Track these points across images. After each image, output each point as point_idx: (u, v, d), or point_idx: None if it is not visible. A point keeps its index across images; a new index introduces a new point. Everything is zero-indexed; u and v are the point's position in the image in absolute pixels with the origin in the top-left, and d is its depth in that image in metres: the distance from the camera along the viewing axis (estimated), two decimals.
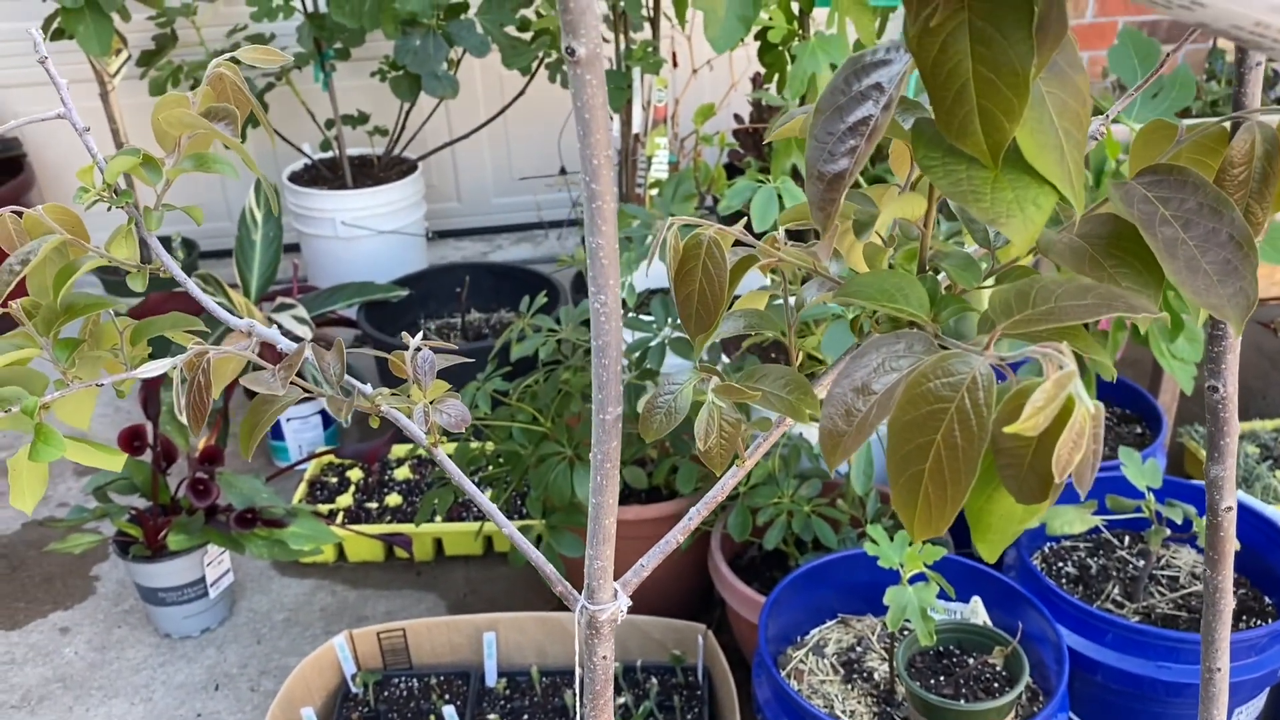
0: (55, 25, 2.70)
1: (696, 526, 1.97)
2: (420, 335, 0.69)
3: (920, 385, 0.47)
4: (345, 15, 2.55)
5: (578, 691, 0.65)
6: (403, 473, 2.47)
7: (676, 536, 0.65)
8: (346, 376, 0.67)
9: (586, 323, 1.88)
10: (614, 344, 0.55)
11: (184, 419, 0.65)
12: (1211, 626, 0.74)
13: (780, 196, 1.72)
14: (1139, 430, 2.18)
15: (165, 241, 3.09)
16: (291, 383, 0.63)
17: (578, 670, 0.65)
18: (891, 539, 1.56)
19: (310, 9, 2.75)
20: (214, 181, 3.41)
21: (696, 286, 0.58)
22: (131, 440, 1.98)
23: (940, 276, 0.59)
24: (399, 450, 2.49)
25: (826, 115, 0.53)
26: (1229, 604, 0.74)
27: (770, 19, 1.91)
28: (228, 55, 0.77)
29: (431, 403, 0.63)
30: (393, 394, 0.65)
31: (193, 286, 0.76)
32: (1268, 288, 2.34)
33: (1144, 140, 0.59)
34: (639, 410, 1.70)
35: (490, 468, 2.06)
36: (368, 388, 0.68)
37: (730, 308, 0.67)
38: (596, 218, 0.51)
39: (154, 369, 0.64)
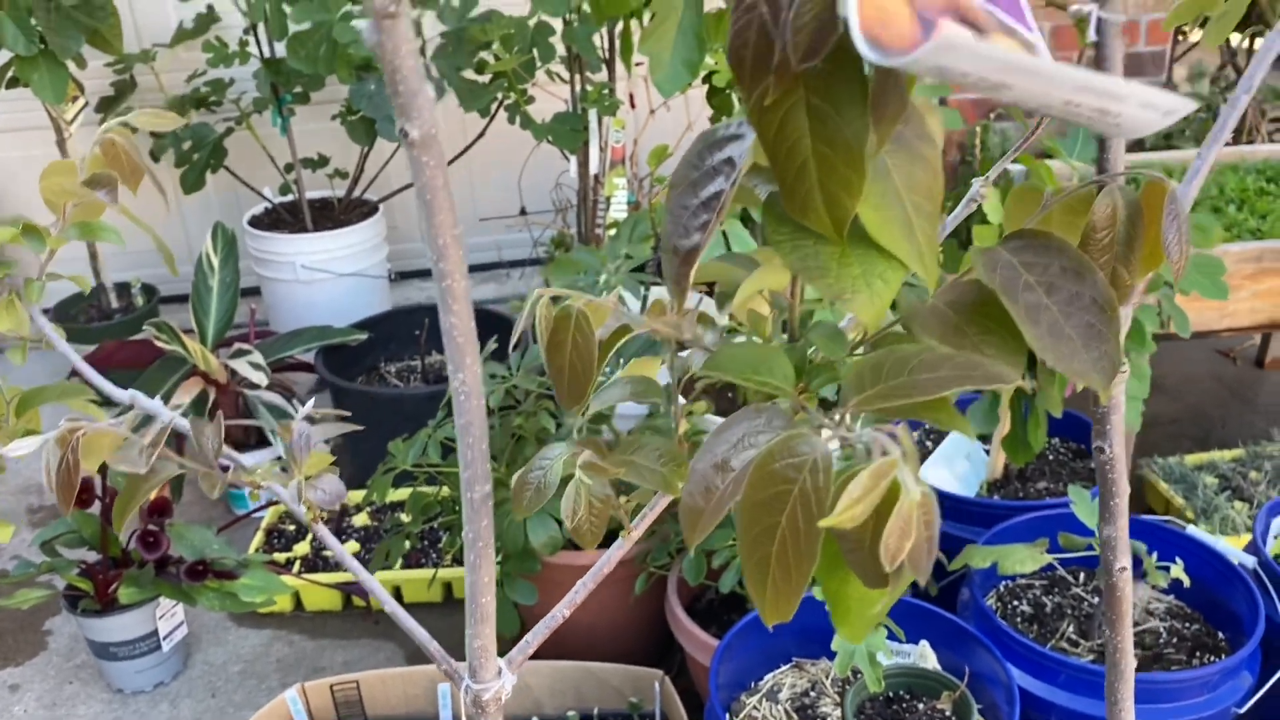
0: (10, 73, 2.69)
1: (652, 571, 1.94)
2: (305, 414, 0.68)
3: (767, 466, 0.47)
4: (301, 61, 2.55)
5: None
6: (361, 519, 2.45)
7: (563, 611, 0.64)
8: (227, 450, 0.66)
9: (538, 369, 1.87)
10: (477, 423, 0.54)
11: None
12: (1114, 686, 0.73)
13: (725, 238, 1.72)
14: (1092, 465, 2.18)
15: (124, 287, 3.08)
16: (164, 456, 0.62)
17: None
18: None
19: (267, 54, 2.76)
20: (175, 225, 3.40)
21: (567, 359, 0.58)
22: (81, 493, 1.95)
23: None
24: (355, 496, 2.47)
25: (680, 190, 0.52)
26: (1130, 664, 0.74)
27: (716, 63, 1.92)
28: (118, 120, 0.77)
29: (308, 478, 0.62)
30: (275, 464, 0.64)
31: (83, 366, 0.75)
32: (1219, 319, 2.36)
33: (1015, 202, 0.59)
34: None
35: (445, 514, 2.04)
36: (249, 459, 0.67)
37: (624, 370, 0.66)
38: (448, 297, 0.51)
39: (23, 448, 0.63)
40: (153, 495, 2.02)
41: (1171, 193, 0.53)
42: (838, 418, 0.48)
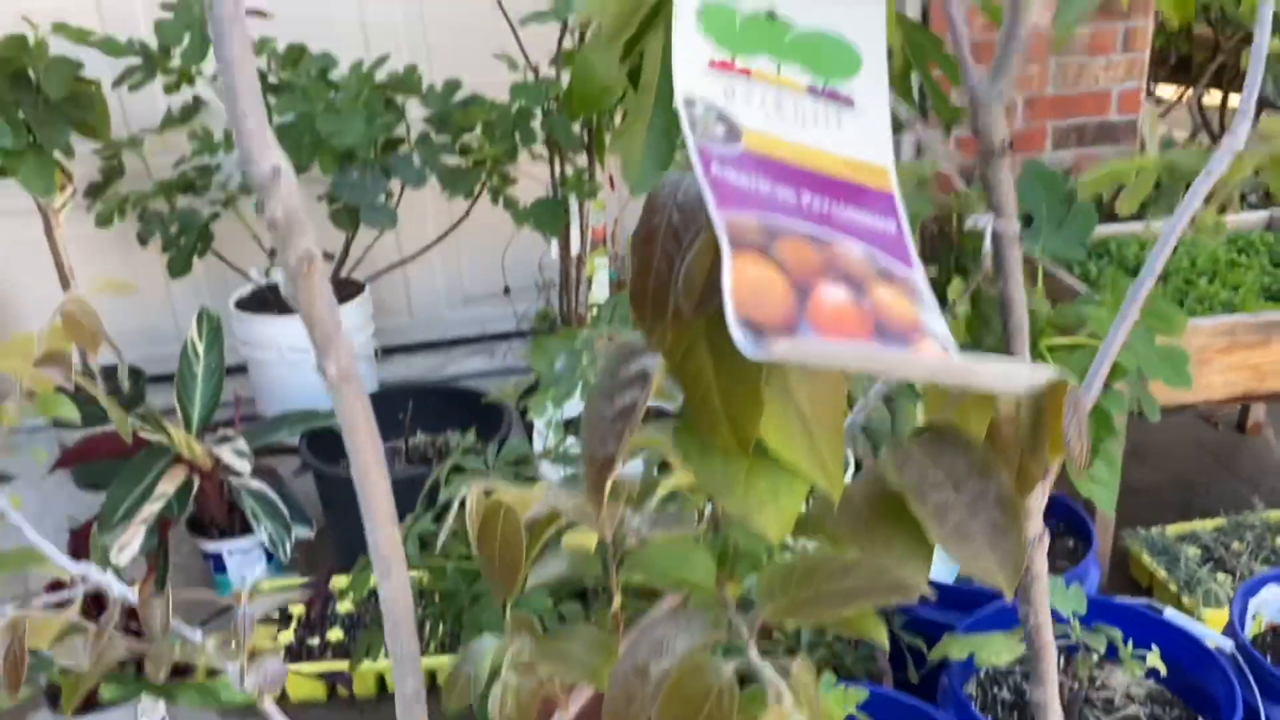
0: None
1: None
2: (250, 584, 0.70)
3: (679, 686, 0.48)
4: (286, 152, 2.59)
5: None
6: (345, 606, 2.45)
7: None
8: (175, 624, 0.68)
9: (514, 462, 1.89)
10: (405, 623, 0.56)
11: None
12: None
13: None
14: (1071, 544, 2.19)
15: (111, 370, 3.10)
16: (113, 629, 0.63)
17: None
18: (819, 674, 1.56)
19: None
20: (163, 305, 3.44)
21: (496, 550, 0.60)
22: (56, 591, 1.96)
23: None
24: (340, 582, 2.47)
25: (598, 399, 0.55)
26: None
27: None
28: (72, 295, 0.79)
29: (252, 658, 0.64)
30: (222, 640, 0.66)
31: None
32: (1195, 393, 2.38)
33: (932, 395, 0.61)
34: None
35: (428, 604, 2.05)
36: (198, 634, 0.69)
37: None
38: (372, 517, 0.53)
39: None
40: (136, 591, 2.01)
41: (1071, 391, 0.55)
42: (747, 631, 0.50)
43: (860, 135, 0.49)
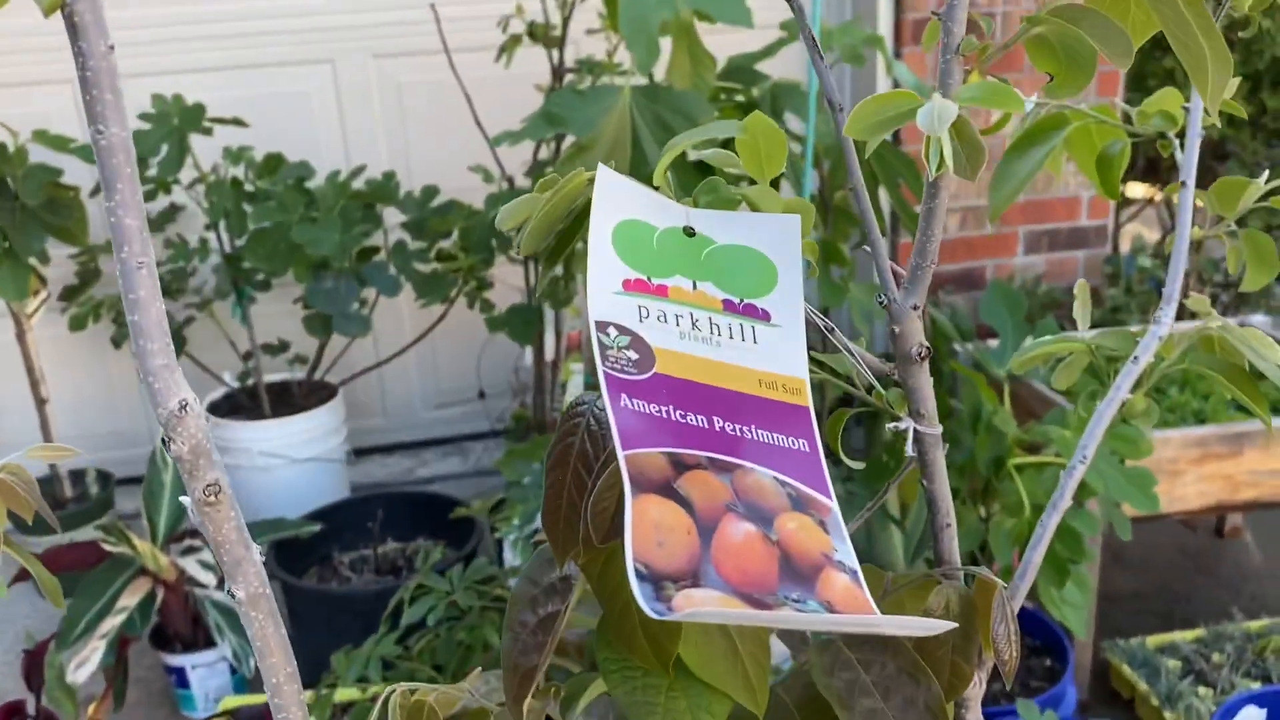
0: None
1: None
2: None
3: None
4: (259, 259, 2.61)
5: None
6: None
7: None
8: None
9: (478, 582, 1.86)
10: None
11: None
12: None
13: None
14: (1048, 663, 2.17)
15: (79, 474, 3.06)
16: None
17: None
18: None
19: (228, 249, 2.82)
20: (137, 408, 3.41)
21: None
22: (10, 715, 1.91)
23: None
24: (307, 698, 2.41)
25: (521, 606, 0.54)
26: None
27: None
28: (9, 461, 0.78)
29: None
30: None
31: None
32: (1169, 503, 2.37)
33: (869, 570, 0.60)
34: None
35: None
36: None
37: None
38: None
39: None
40: (89, 714, 1.96)
41: (999, 592, 0.55)
42: None
43: (776, 349, 0.49)
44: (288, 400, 3.10)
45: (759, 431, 0.47)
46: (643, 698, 0.50)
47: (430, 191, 2.81)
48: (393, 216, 2.93)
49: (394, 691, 0.59)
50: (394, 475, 3.49)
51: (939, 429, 0.54)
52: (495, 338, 3.12)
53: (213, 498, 0.43)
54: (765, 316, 0.50)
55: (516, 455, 2.36)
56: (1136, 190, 4.57)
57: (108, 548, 2.29)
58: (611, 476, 0.44)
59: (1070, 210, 3.40)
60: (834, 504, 0.47)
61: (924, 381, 0.53)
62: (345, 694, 2.37)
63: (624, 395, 0.44)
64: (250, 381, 3.07)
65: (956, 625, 0.47)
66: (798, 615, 0.39)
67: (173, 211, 2.90)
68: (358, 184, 2.71)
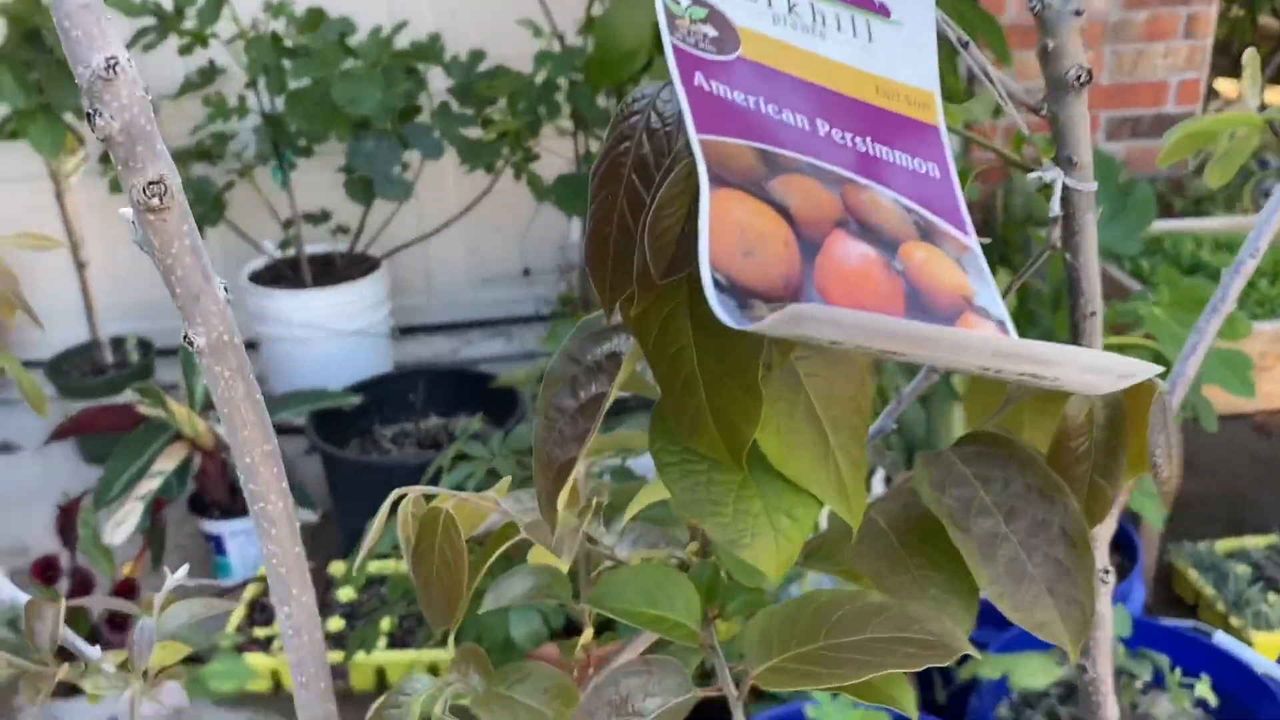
0: (10, 127, 2.66)
1: None
2: (170, 586, 0.59)
3: None
4: (299, 118, 2.50)
5: None
6: (346, 593, 2.36)
7: None
8: (71, 640, 0.57)
9: (517, 452, 1.78)
10: (310, 661, 0.45)
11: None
12: None
13: None
14: (1117, 560, 2.06)
15: (120, 341, 3.02)
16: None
17: None
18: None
19: (268, 109, 2.71)
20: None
21: (434, 570, 0.48)
22: (44, 570, 1.88)
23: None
24: (339, 568, 2.38)
25: (557, 389, 0.43)
26: None
27: None
28: None
29: (147, 680, 0.53)
30: (118, 665, 0.55)
31: None
32: (1256, 399, 2.23)
33: (976, 390, 0.49)
34: None
35: None
36: (96, 651, 0.58)
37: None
38: (264, 521, 0.42)
39: None
40: (125, 570, 1.94)
41: (1159, 396, 0.43)
42: (734, 691, 0.38)
43: (897, 52, 0.37)
44: (330, 272, 3.02)
45: (876, 146, 0.35)
46: (707, 495, 0.39)
47: (477, 55, 2.67)
48: (436, 82, 2.79)
49: (404, 497, 0.49)
50: (438, 355, 3.42)
51: (1093, 184, 0.42)
52: (541, 215, 3.00)
53: (156, 200, 0.33)
54: (883, 11, 0.38)
55: (561, 332, 2.26)
56: (1225, 86, 4.30)
57: (144, 410, 2.24)
58: (679, 184, 0.32)
59: (1156, 96, 3.18)
60: (973, 240, 0.35)
61: (1080, 118, 0.41)
62: (380, 566, 2.33)
63: (699, 74, 0.32)
64: (291, 251, 2.99)
65: (1147, 378, 0.36)
66: (950, 334, 0.28)
67: (212, 72, 2.79)
68: (401, 43, 2.58)
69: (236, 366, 0.37)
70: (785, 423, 0.39)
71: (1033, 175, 0.42)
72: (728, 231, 0.29)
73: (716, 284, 0.28)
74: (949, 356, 0.27)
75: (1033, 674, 1.56)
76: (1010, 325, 0.34)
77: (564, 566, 0.56)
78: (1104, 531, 0.51)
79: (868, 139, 0.35)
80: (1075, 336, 0.47)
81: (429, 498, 0.48)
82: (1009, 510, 0.44)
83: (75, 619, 1.94)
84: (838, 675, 0.37)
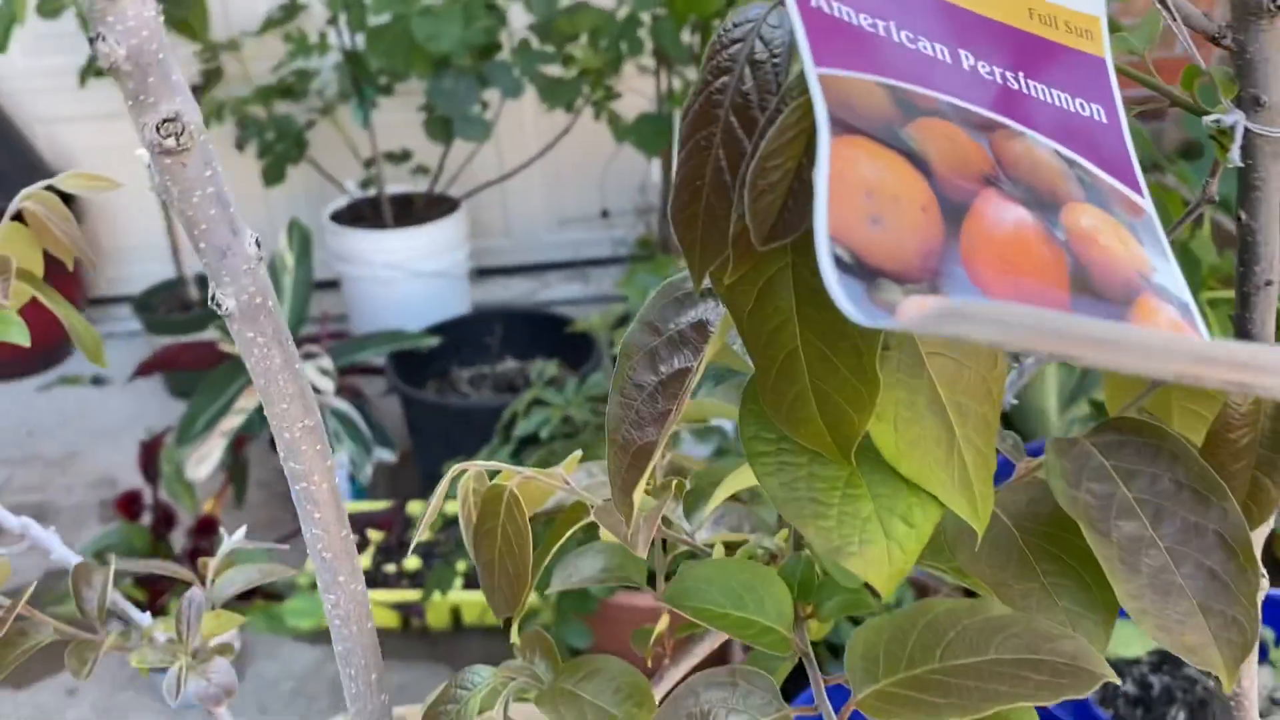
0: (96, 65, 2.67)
1: None
2: (225, 551, 0.56)
3: None
4: (379, 55, 2.46)
5: None
6: (425, 534, 2.36)
7: None
8: (121, 605, 0.54)
9: (592, 399, 1.74)
10: (360, 652, 0.41)
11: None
12: None
13: None
14: None
15: (205, 280, 3.05)
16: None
17: None
18: None
19: (349, 46, 2.68)
20: (261, 215, 3.37)
21: (496, 554, 0.44)
22: (129, 505, 1.90)
23: None
24: (417, 508, 2.38)
25: (636, 359, 0.38)
26: None
27: None
28: (45, 185, 0.66)
29: (196, 657, 0.50)
30: (167, 637, 0.52)
31: None
32: None
33: (1117, 373, 0.43)
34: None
35: None
36: (146, 617, 0.55)
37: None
38: (306, 502, 0.37)
39: None
40: (207, 506, 1.96)
41: None
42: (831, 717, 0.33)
43: None
44: (410, 212, 3.00)
45: (1030, 82, 0.29)
46: (808, 493, 0.34)
47: None
48: (517, 19, 2.73)
49: (463, 472, 0.44)
50: (516, 297, 3.40)
51: None
52: (620, 156, 2.93)
53: (172, 140, 0.28)
54: None
55: (638, 275, 2.21)
56: None
57: (225, 348, 2.25)
58: (790, 130, 0.26)
59: None
60: (1147, 203, 0.29)
61: (1273, 50, 0.34)
62: (454, 506, 2.32)
63: None
64: (372, 191, 2.97)
65: None
66: (1135, 336, 0.22)
67: (294, 7, 2.77)
68: None
69: (272, 332, 0.33)
70: (904, 413, 0.33)
71: (1209, 118, 0.35)
72: (852, 192, 0.23)
73: (838, 261, 0.22)
74: (1137, 363, 0.21)
75: (1126, 642, 1.48)
76: (1195, 308, 0.28)
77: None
78: (1261, 531, 0.45)
79: (1020, 74, 0.29)
80: (1244, 308, 0.40)
81: (492, 473, 0.44)
82: (1155, 511, 0.38)
83: (160, 552, 1.97)
84: (957, 707, 0.32)
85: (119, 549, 1.98)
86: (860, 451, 0.34)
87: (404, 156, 2.96)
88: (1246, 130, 0.35)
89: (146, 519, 1.93)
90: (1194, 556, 0.37)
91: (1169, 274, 0.28)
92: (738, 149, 0.29)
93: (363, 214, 3.00)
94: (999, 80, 0.28)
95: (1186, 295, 0.28)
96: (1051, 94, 0.29)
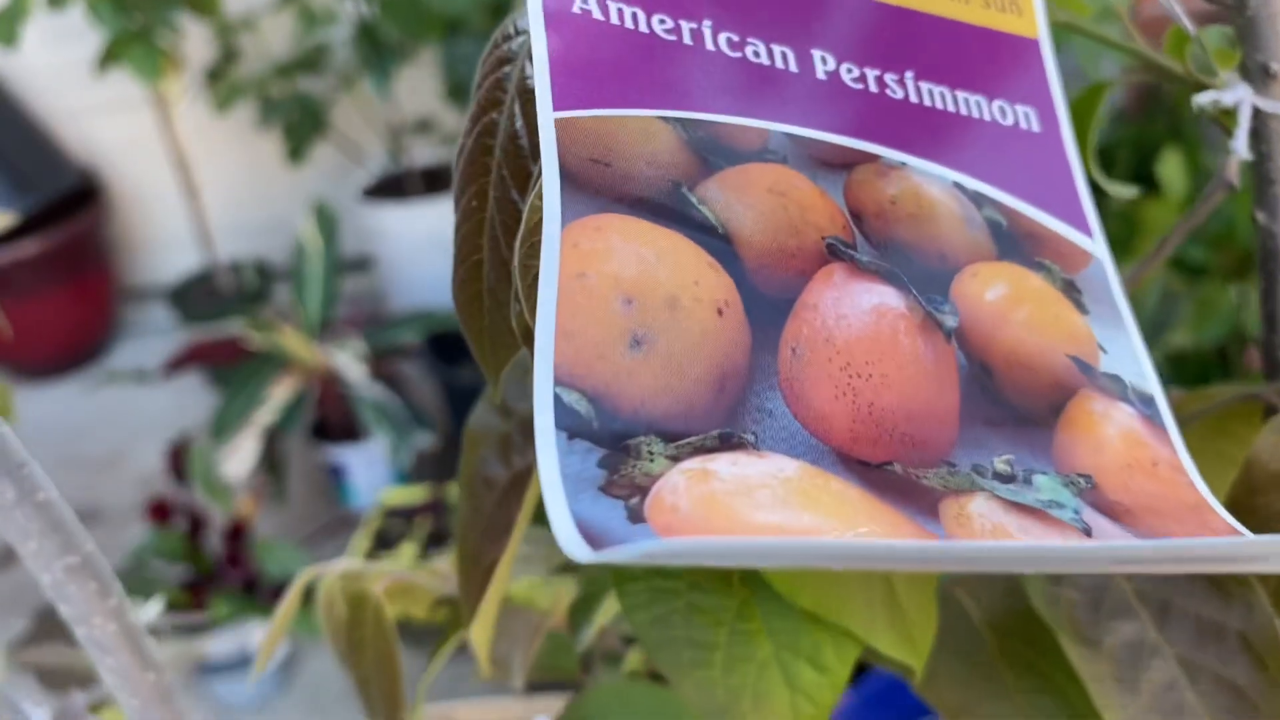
0: (116, 50, 2.63)
1: None
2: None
3: None
4: (395, 22, 2.39)
5: None
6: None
7: None
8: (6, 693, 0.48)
9: None
10: None
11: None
12: None
13: None
14: None
15: (237, 268, 3.03)
16: None
17: None
18: None
19: (365, 16, 2.60)
20: (289, 196, 3.34)
21: (367, 668, 0.37)
22: (158, 511, 1.88)
23: None
24: (454, 490, 2.34)
25: (484, 452, 0.30)
26: None
27: None
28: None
29: None
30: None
31: None
32: None
33: None
34: None
35: None
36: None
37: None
38: (92, 648, 0.30)
39: None
40: (243, 509, 1.93)
41: None
42: None
43: None
44: (441, 184, 2.93)
45: (922, 85, 0.20)
46: (685, 631, 0.26)
47: None
48: None
49: (329, 576, 0.37)
50: None
51: None
52: None
53: None
54: None
55: None
56: None
57: (253, 341, 2.21)
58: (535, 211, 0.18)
59: None
60: (1099, 244, 0.20)
61: None
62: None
63: None
64: (400, 163, 2.91)
65: None
66: (1028, 546, 0.14)
67: None
68: None
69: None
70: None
71: (1205, 95, 0.26)
72: (598, 303, 0.15)
73: (568, 414, 0.14)
74: (1056, 568, 0.13)
75: None
76: (1161, 399, 0.20)
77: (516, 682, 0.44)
78: None
79: (907, 74, 0.20)
80: (1271, 331, 0.31)
81: (357, 576, 0.37)
82: (1161, 607, 0.29)
83: (195, 556, 1.95)
84: None
85: (158, 554, 1.97)
86: (754, 574, 0.26)
87: (424, 127, 2.89)
88: (1256, 110, 0.26)
89: (181, 523, 1.91)
90: (1211, 668, 0.29)
91: (1123, 352, 0.19)
92: (514, 212, 0.21)
93: (393, 188, 2.94)
94: (871, 87, 0.20)
95: (1149, 383, 0.19)
96: (954, 98, 0.21)
